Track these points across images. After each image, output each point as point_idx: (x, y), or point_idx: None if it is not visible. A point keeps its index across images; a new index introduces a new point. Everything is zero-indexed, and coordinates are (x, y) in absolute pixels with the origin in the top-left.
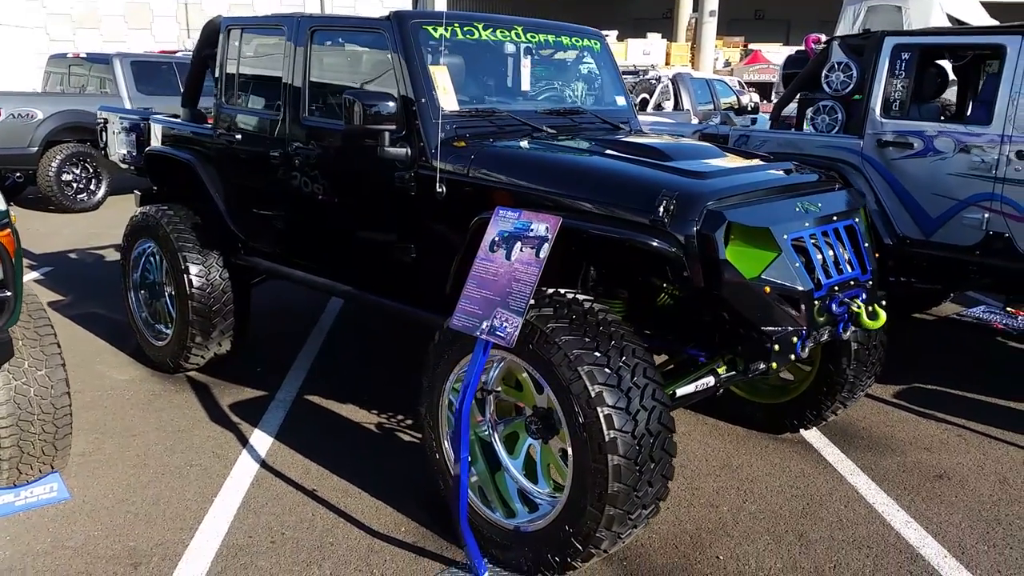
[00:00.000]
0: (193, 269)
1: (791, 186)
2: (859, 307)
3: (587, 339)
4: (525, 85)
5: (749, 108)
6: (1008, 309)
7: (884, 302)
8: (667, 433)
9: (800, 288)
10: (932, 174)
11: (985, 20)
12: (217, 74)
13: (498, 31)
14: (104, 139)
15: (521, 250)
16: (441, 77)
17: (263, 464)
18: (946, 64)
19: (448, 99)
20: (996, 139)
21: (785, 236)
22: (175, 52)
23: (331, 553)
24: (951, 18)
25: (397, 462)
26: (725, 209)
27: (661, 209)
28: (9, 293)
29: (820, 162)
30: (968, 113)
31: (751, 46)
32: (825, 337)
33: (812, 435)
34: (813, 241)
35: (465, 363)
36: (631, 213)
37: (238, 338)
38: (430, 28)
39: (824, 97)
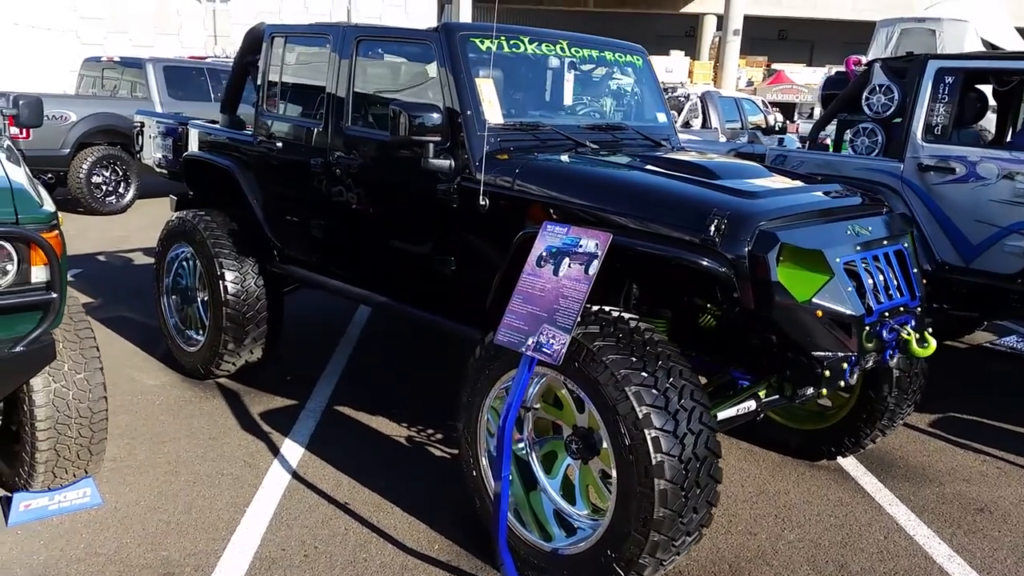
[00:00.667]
0: (229, 275)
1: (840, 208)
2: (909, 334)
3: (634, 359)
4: (568, 99)
5: (776, 128)
6: None
7: (931, 329)
8: (713, 458)
9: (851, 313)
10: (974, 200)
11: (1019, 44)
12: (259, 81)
13: (543, 45)
14: (140, 142)
15: (569, 266)
16: (487, 90)
17: (294, 475)
18: (986, 89)
19: (493, 112)
20: None
21: (837, 259)
22: (205, 58)
23: (364, 569)
24: (985, 42)
25: (429, 476)
26: (777, 230)
27: (712, 228)
28: (55, 295)
29: (859, 185)
30: (1009, 139)
31: (774, 66)
32: (870, 364)
33: (849, 463)
34: (864, 265)
35: (506, 379)
36: (681, 231)
37: (270, 346)
38: (477, 41)
39: (864, 119)
